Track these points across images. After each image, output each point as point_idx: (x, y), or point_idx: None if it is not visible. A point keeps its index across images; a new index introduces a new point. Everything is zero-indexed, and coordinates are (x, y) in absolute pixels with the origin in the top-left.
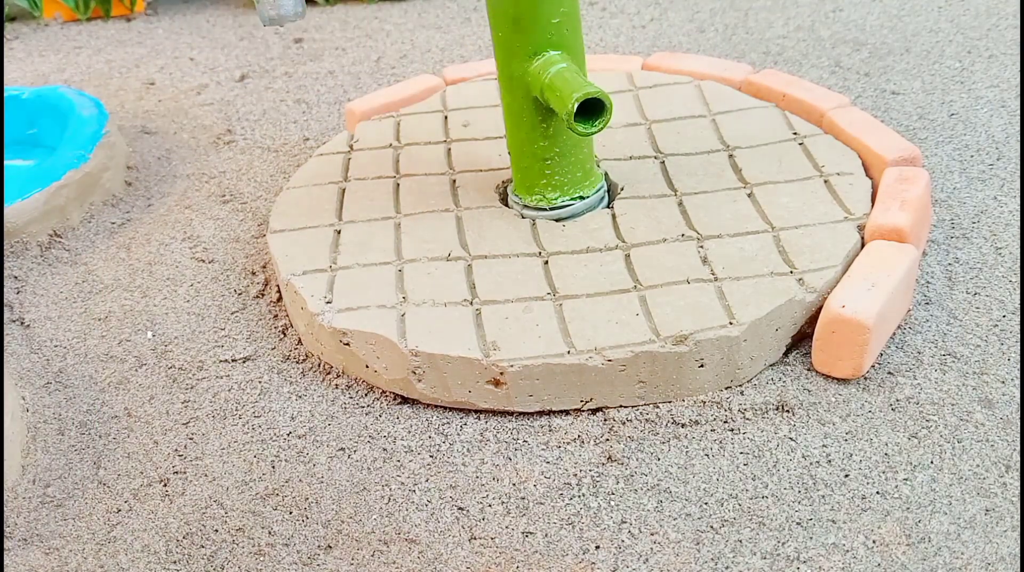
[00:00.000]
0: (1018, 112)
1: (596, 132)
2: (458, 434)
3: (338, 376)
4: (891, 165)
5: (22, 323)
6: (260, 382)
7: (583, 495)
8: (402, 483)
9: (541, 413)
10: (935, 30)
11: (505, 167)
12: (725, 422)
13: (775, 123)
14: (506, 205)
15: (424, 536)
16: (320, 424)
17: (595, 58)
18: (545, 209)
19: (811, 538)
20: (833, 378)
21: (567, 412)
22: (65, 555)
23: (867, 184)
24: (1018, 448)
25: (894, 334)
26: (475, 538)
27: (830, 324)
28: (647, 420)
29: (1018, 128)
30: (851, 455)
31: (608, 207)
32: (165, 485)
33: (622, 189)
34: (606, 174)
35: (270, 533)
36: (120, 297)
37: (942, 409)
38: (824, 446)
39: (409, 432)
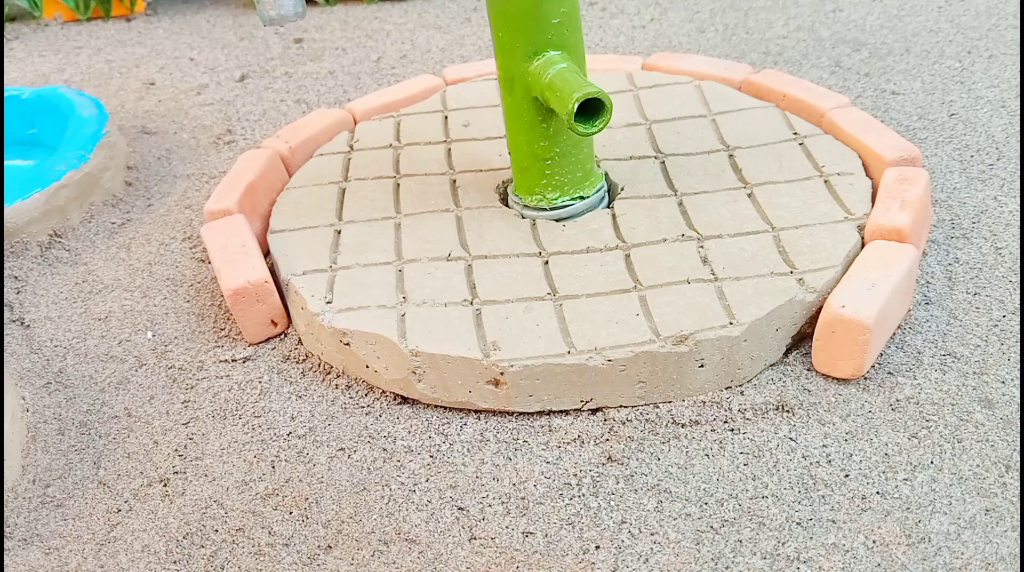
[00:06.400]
0: (1018, 112)
1: (596, 132)
2: (458, 434)
3: (338, 376)
4: (891, 165)
5: (22, 323)
6: (260, 382)
7: (583, 495)
8: (402, 483)
9: (541, 413)
10: (935, 30)
11: (505, 167)
12: (725, 422)
13: (775, 123)
14: (506, 205)
15: (424, 536)
16: (320, 424)
17: (595, 58)
18: (545, 209)
19: (811, 538)
20: (833, 378)
21: (567, 412)
22: (65, 555)
23: (867, 184)
24: (1018, 448)
25: (894, 334)
26: (475, 538)
27: (830, 324)
28: (647, 420)
29: (1018, 128)
30: (851, 455)
31: (608, 207)
32: (165, 485)
33: (622, 189)
34: (606, 174)
35: (270, 533)
36: (120, 297)
37: (942, 409)
38: (824, 446)
39: (409, 432)
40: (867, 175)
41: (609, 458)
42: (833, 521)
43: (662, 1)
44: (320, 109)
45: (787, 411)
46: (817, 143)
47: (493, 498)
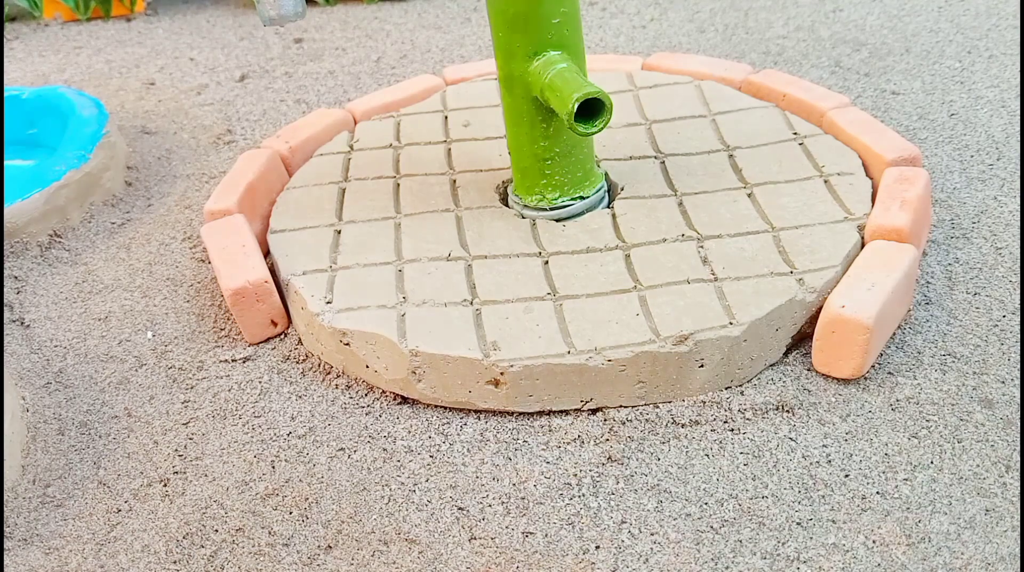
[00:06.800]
0: (1018, 112)
1: (596, 132)
2: (458, 434)
3: (338, 376)
4: (891, 165)
5: (22, 323)
6: (260, 382)
7: (583, 495)
8: (402, 483)
9: (541, 413)
10: (935, 30)
11: (505, 167)
12: (725, 422)
13: (775, 123)
14: (506, 205)
15: (424, 536)
16: (320, 424)
17: (595, 58)
18: (545, 209)
19: (811, 538)
20: (833, 378)
21: (567, 412)
22: (65, 555)
23: (867, 184)
24: (1018, 448)
25: (894, 334)
26: (475, 538)
27: (830, 324)
28: (647, 420)
29: (1018, 128)
30: (851, 455)
31: (608, 207)
32: (165, 485)
33: (622, 189)
34: (606, 174)
35: (270, 533)
36: (120, 297)
37: (942, 409)
38: (824, 446)
39: (409, 432)
40: (867, 175)
41: (609, 458)
42: (833, 521)
43: (662, 1)
44: (320, 109)
45: (787, 411)
46: (817, 143)
47: (493, 498)
